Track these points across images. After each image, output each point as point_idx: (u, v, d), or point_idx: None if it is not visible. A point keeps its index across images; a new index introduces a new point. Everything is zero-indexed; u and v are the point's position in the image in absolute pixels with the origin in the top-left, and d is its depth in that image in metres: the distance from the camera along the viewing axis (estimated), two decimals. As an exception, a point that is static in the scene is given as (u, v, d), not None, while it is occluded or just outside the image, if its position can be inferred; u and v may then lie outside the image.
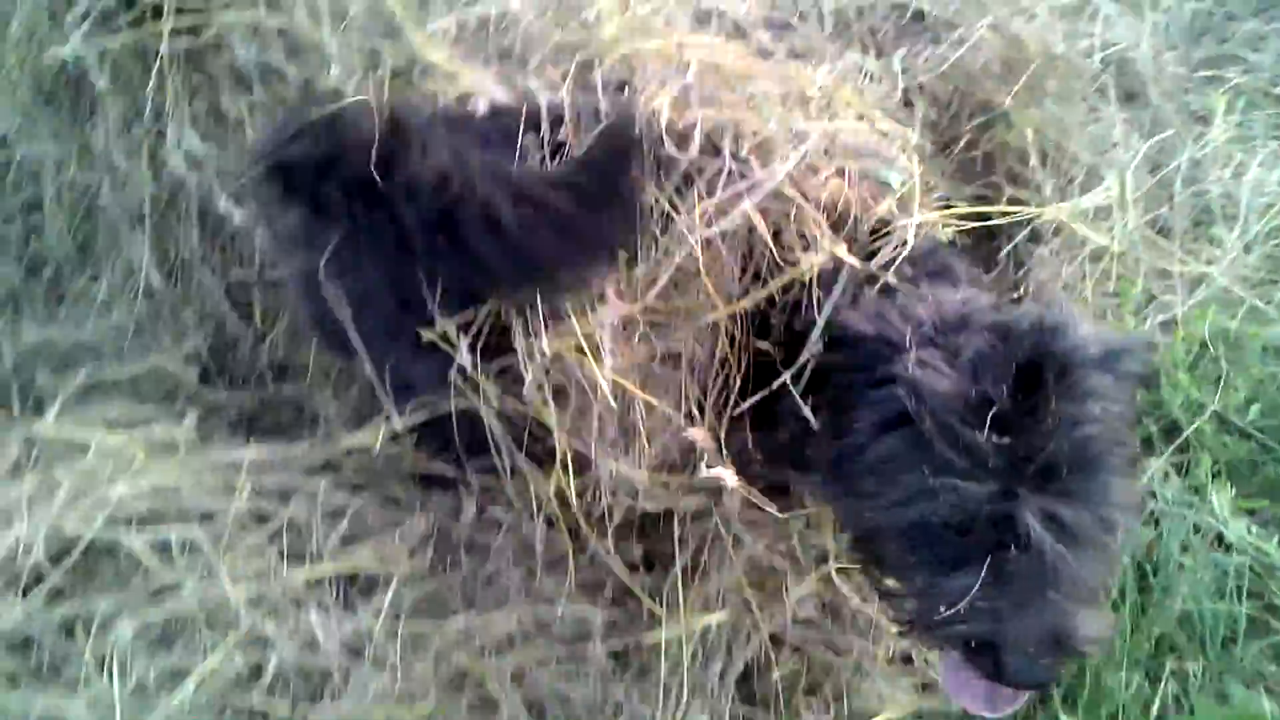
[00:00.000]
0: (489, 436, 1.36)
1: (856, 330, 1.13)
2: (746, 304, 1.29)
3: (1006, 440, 0.99)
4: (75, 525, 1.33)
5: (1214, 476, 1.55)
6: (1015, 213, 1.50)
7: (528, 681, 1.40)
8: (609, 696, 1.40)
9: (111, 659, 1.28)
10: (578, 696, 1.40)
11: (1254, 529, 1.48)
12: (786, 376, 1.21)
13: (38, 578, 1.32)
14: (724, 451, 1.32)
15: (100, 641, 1.29)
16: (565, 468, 1.33)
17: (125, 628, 1.29)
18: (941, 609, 1.05)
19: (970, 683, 1.12)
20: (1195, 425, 1.59)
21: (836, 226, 1.29)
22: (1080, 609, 1.03)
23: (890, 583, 1.17)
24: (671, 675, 1.41)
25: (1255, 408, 1.62)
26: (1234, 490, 1.52)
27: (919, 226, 1.27)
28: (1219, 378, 1.65)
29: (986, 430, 1.00)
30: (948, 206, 1.45)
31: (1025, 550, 1.00)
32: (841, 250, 1.22)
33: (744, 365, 1.34)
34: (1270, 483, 1.60)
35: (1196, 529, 1.54)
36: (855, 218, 1.31)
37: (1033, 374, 1.01)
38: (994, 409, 1.00)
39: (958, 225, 1.35)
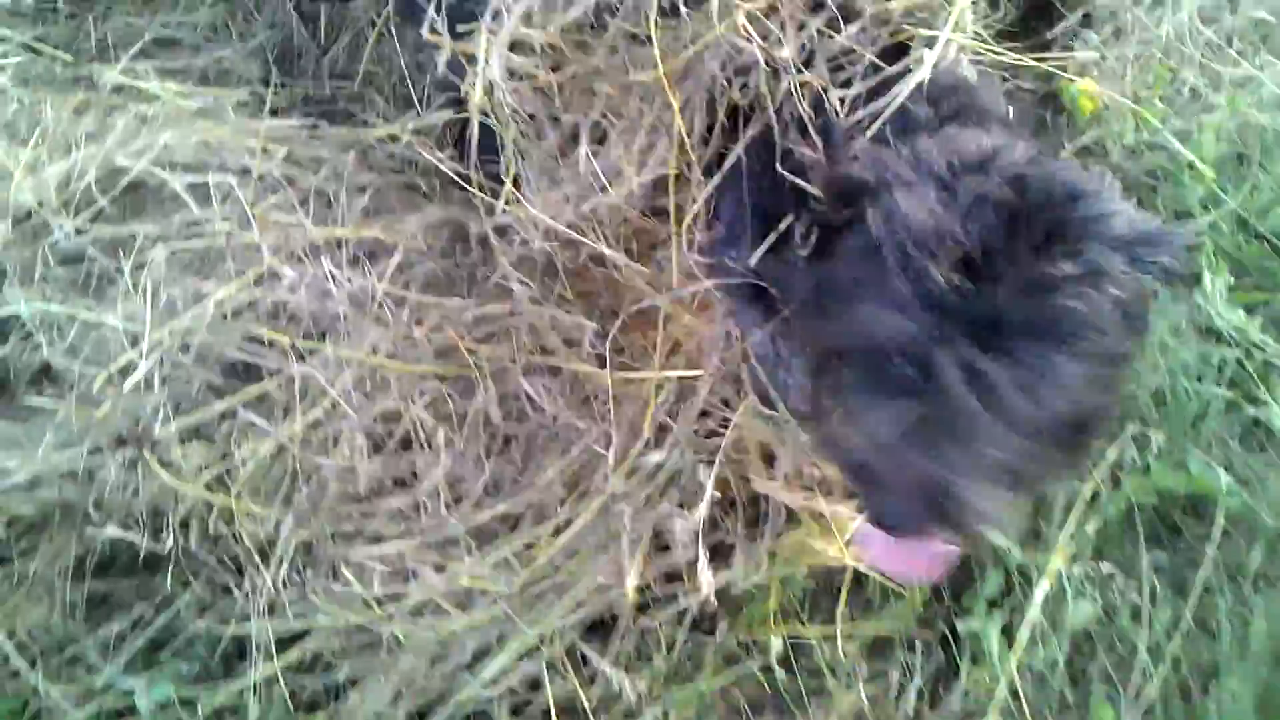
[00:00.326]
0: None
1: (855, 179, 1.06)
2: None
3: (969, 287, 0.93)
4: (125, 161, 1.46)
5: (1215, 267, 1.54)
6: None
7: (509, 374, 1.49)
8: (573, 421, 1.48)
9: (145, 279, 1.42)
10: (551, 405, 1.49)
11: (1246, 319, 1.48)
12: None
13: (90, 202, 1.46)
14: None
15: (138, 263, 1.44)
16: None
17: (160, 253, 1.43)
18: (850, 437, 1.03)
19: (872, 539, 1.13)
20: (1210, 218, 1.58)
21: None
22: (978, 480, 0.97)
23: (825, 404, 1.12)
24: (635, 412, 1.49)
25: (1278, 211, 1.60)
26: (1234, 283, 1.52)
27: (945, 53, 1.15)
28: (1246, 180, 1.63)
29: (950, 272, 0.93)
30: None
31: (942, 399, 0.95)
32: (757, 43, 1.18)
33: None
34: (1275, 283, 1.58)
35: (1191, 319, 1.54)
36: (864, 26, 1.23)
37: (1023, 226, 0.95)
38: (965, 253, 0.94)
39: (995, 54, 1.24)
